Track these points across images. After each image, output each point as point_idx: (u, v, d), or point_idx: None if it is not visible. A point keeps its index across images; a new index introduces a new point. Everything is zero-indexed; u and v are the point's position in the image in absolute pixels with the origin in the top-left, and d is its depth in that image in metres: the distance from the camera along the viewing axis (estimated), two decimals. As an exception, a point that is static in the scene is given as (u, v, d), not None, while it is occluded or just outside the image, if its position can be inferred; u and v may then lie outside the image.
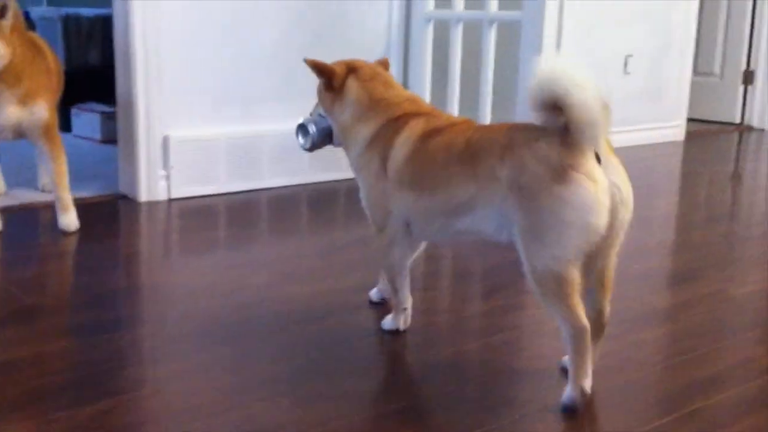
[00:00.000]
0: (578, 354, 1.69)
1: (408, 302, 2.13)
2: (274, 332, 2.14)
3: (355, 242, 3.02)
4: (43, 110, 2.80)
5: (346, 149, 2.12)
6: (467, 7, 3.68)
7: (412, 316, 2.15)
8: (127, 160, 3.45)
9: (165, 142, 3.41)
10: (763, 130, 5.97)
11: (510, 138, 1.73)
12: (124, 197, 3.46)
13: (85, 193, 3.38)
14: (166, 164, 3.43)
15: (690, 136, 5.49)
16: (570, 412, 1.71)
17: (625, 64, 5.05)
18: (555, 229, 1.66)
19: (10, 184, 3.47)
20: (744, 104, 6.05)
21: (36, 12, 5.04)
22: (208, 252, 2.88)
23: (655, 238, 3.20)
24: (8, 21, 2.57)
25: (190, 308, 2.28)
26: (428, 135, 1.92)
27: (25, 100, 2.74)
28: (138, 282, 2.59)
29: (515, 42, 3.62)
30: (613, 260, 1.79)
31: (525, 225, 1.69)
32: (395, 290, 2.11)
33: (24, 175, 3.61)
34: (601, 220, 1.65)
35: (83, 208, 3.07)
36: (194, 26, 3.39)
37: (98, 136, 4.62)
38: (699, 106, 5.90)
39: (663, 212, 3.68)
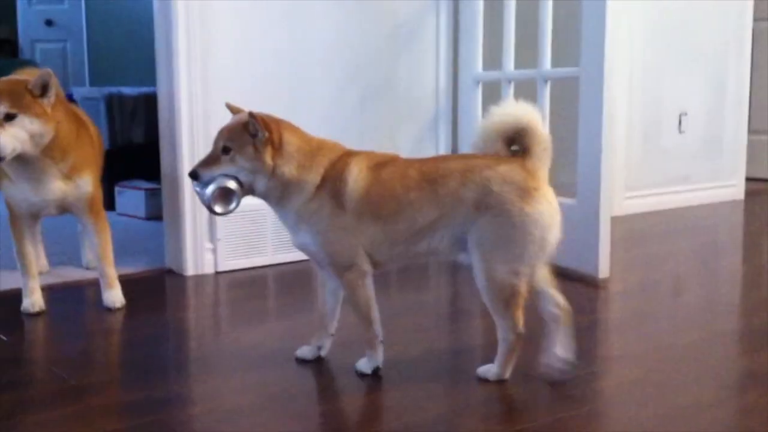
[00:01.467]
0: (511, 353, 2.03)
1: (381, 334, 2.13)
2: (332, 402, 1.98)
3: (413, 307, 2.86)
4: (88, 184, 2.71)
5: (283, 201, 2.07)
6: (516, 65, 3.57)
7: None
8: (173, 234, 3.35)
9: (211, 214, 3.29)
10: (824, 186, 5.76)
11: (467, 164, 2.01)
12: (171, 272, 3.34)
13: (131, 269, 3.27)
14: (212, 237, 3.32)
15: (749, 194, 5.29)
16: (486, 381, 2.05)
17: (680, 123, 4.90)
18: (519, 245, 1.94)
19: (54, 262, 3.37)
20: (802, 161, 5.85)
21: (79, 92, 5.05)
22: (259, 323, 2.75)
23: (729, 297, 3.02)
24: (50, 99, 2.50)
25: (243, 382, 2.13)
26: (377, 168, 2.05)
27: (70, 174, 2.66)
28: (188, 357, 2.46)
29: (564, 98, 3.52)
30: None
31: (489, 240, 1.96)
32: (371, 323, 2.10)
33: (67, 252, 3.52)
34: (556, 236, 1.97)
35: (129, 283, 2.96)
36: (241, 97, 3.30)
37: (143, 213, 4.54)
38: (753, 164, 5.70)
39: (731, 270, 3.48)
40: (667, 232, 4.24)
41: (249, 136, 2.01)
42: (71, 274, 3.28)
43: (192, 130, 3.23)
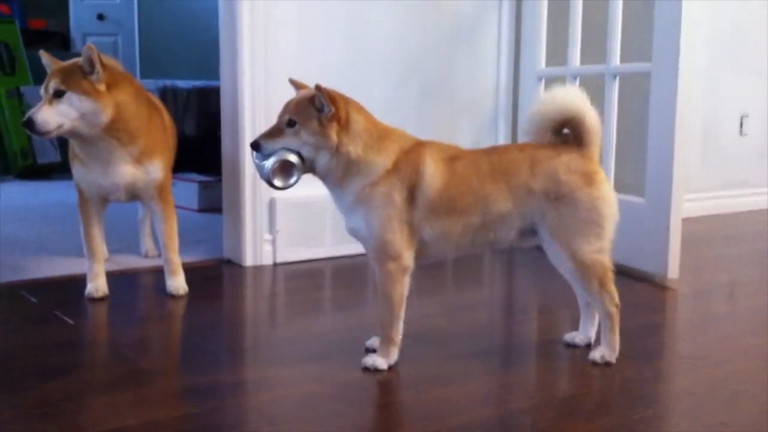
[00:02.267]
0: (614, 327, 2.10)
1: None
2: (392, 396, 1.94)
3: (477, 304, 2.81)
4: (158, 170, 2.69)
5: (345, 181, 2.01)
6: (582, 61, 3.50)
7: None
8: (232, 225, 3.32)
9: (271, 205, 3.27)
10: None
11: (532, 155, 2.07)
12: (229, 262, 3.31)
13: (189, 258, 3.24)
14: (272, 228, 3.29)
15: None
16: (603, 365, 2.09)
17: (741, 125, 4.80)
18: (596, 225, 2.03)
19: (112, 250, 3.36)
20: None
21: (134, 84, 5.05)
22: (321, 314, 2.72)
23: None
24: (98, 76, 2.48)
25: (313, 371, 2.08)
26: (451, 161, 2.05)
27: (140, 159, 2.64)
28: (254, 344, 2.43)
29: (628, 96, 3.44)
30: None
31: (567, 227, 2.03)
32: (395, 321, 2.07)
33: (125, 240, 3.51)
34: (617, 213, 2.07)
35: (189, 272, 2.92)
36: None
37: (196, 205, 4.53)
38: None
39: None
40: (729, 236, 4.14)
41: (315, 111, 1.97)
42: (129, 262, 3.26)
43: (254, 123, 3.20)
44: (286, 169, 1.98)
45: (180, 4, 6.69)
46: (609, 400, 1.97)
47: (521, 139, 3.58)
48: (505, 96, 3.84)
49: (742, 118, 4.80)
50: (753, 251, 3.83)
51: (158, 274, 2.94)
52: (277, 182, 1.99)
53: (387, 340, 2.08)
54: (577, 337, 2.27)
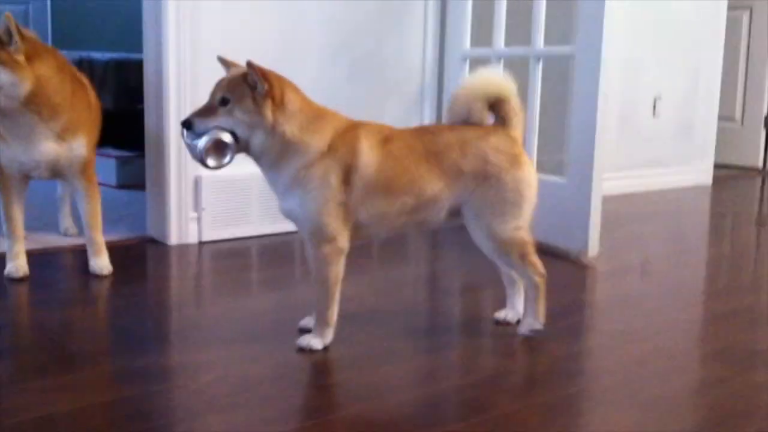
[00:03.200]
0: (541, 296, 2.17)
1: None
2: (329, 377, 1.96)
3: (405, 282, 2.84)
4: (82, 147, 2.62)
5: (280, 162, 1.99)
6: (506, 43, 3.55)
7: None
8: (156, 203, 3.27)
9: (196, 182, 3.23)
10: (787, 175, 5.88)
11: (462, 137, 2.12)
12: (153, 240, 3.26)
13: (111, 237, 3.16)
14: (197, 206, 3.25)
15: (716, 180, 5.37)
16: (533, 334, 2.17)
17: (654, 106, 4.94)
18: (517, 205, 2.11)
19: (30, 227, 3.24)
20: (766, 149, 5.95)
21: (48, 55, 4.88)
22: (251, 294, 2.71)
23: (716, 277, 3.06)
24: (16, 47, 2.40)
25: (249, 352, 2.07)
26: (385, 142, 2.06)
27: (63, 135, 2.56)
28: (185, 326, 2.40)
29: (550, 78, 3.50)
30: None
31: (490, 206, 2.10)
32: (331, 302, 2.07)
33: (42, 218, 3.41)
34: (536, 195, 2.15)
35: (111, 251, 2.84)
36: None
37: (114, 181, 4.43)
38: (720, 151, 5.77)
39: (713, 253, 3.54)
40: (644, 214, 4.27)
41: (249, 89, 1.94)
42: (48, 241, 3.17)
43: (180, 98, 3.15)
44: (219, 148, 1.94)
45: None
46: (540, 376, 2.03)
47: (446, 118, 3.67)
48: (431, 76, 3.86)
49: (655, 100, 4.94)
50: (667, 229, 3.97)
51: (79, 252, 2.88)
52: (211, 162, 1.95)
53: (322, 321, 2.08)
54: (509, 314, 2.32)
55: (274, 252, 3.23)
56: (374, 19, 3.67)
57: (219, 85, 1.98)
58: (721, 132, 5.45)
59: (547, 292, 2.19)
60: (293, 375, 1.97)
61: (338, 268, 2.06)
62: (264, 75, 1.93)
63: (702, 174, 5.27)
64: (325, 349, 2.07)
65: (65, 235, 3.26)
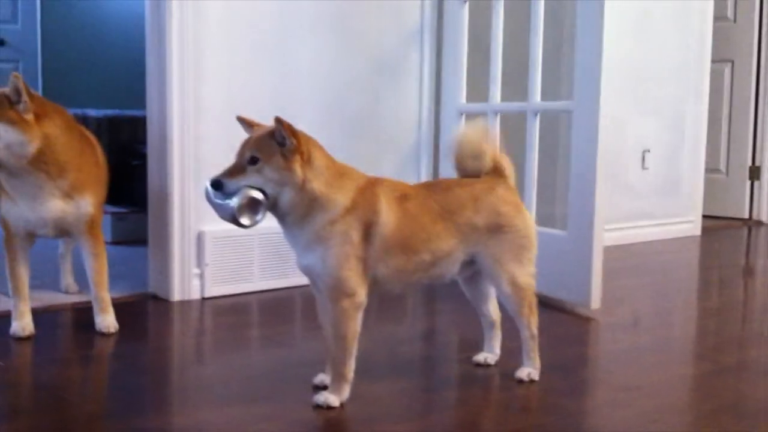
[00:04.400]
0: (536, 348, 2.29)
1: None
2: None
3: (408, 339, 2.84)
4: (89, 205, 2.62)
5: (306, 219, 2.01)
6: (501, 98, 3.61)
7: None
8: (158, 258, 3.27)
9: (199, 238, 3.23)
10: (773, 224, 5.96)
11: (472, 192, 2.21)
12: (155, 297, 3.25)
13: (111, 294, 3.13)
14: (200, 262, 3.25)
15: (704, 231, 5.44)
16: (530, 381, 2.27)
17: (643, 159, 5.02)
18: (530, 249, 2.24)
19: (31, 285, 3.20)
20: (752, 199, 6.04)
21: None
22: (256, 351, 2.70)
23: (720, 330, 3.10)
24: (25, 105, 2.42)
25: (262, 411, 2.06)
26: (402, 200, 2.11)
27: (71, 194, 2.57)
28: (191, 384, 2.37)
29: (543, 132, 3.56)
30: None
31: (505, 254, 2.21)
32: (348, 358, 2.07)
33: (43, 276, 3.39)
34: None
35: (114, 308, 2.81)
36: (230, 119, 3.24)
37: (109, 237, 4.40)
38: (706, 202, 5.85)
39: (715, 304, 3.57)
40: (637, 267, 4.31)
41: (277, 146, 1.96)
42: (49, 298, 3.16)
43: (183, 154, 3.18)
44: (252, 206, 1.95)
45: (86, 31, 6.53)
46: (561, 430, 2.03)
47: (448, 167, 3.71)
48: (427, 130, 3.92)
49: (644, 153, 5.02)
50: (662, 281, 4.01)
51: (82, 310, 2.88)
52: (245, 220, 1.95)
53: (339, 377, 2.08)
54: (488, 357, 2.43)
55: (277, 307, 3.23)
56: (371, 75, 3.73)
57: (246, 144, 1.99)
58: (706, 183, 5.54)
59: (552, 344, 2.29)
60: (313, 433, 1.96)
61: (356, 324, 2.07)
62: (292, 131, 1.96)
63: (691, 225, 5.34)
64: (341, 405, 2.06)
65: (66, 292, 3.24)
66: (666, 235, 5.15)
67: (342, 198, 2.01)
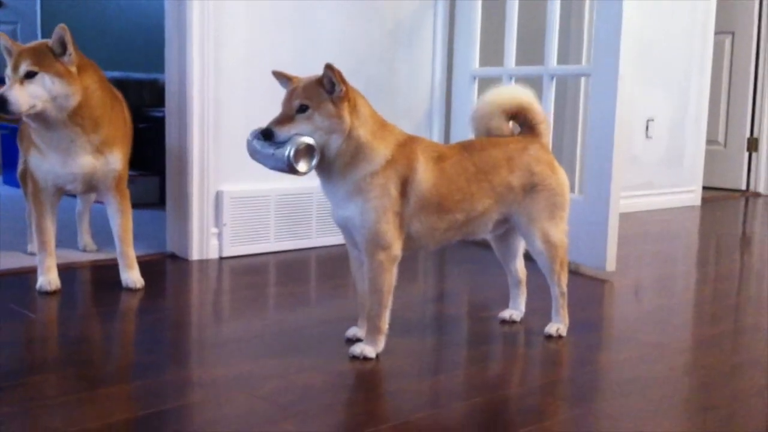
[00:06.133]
0: (565, 305, 2.34)
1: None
2: (377, 387, 1.99)
3: (416, 302, 2.88)
4: (118, 160, 2.63)
5: (349, 168, 2.02)
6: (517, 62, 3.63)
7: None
8: (177, 218, 3.27)
9: (218, 197, 3.24)
10: (770, 195, 6.03)
11: (506, 152, 2.23)
12: (174, 256, 3.26)
13: (131, 253, 3.17)
14: (218, 221, 3.26)
15: (704, 201, 5.49)
16: (558, 337, 2.31)
17: (647, 128, 5.06)
18: (563, 207, 2.28)
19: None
20: (749, 171, 6.10)
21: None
22: (283, 309, 2.72)
23: (736, 292, 3.15)
24: (70, 57, 2.43)
25: (304, 363, 2.09)
26: (439, 160, 2.13)
27: (101, 149, 2.57)
28: (228, 338, 2.38)
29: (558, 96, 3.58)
30: None
31: (541, 212, 2.24)
32: (384, 310, 2.09)
33: (62, 233, 3.38)
34: None
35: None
36: (249, 82, 3.27)
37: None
38: (705, 173, 5.91)
39: (726, 270, 3.63)
40: (646, 234, 4.36)
41: (326, 93, 1.98)
42: (68, 255, 3.15)
43: (203, 114, 3.18)
44: (308, 152, 1.96)
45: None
46: (593, 384, 2.06)
47: (459, 132, 3.74)
48: (440, 95, 3.93)
49: (648, 122, 5.06)
50: (672, 247, 4.07)
51: (102, 268, 2.91)
52: (302, 167, 1.95)
53: (375, 329, 2.11)
54: (513, 313, 2.48)
55: (295, 267, 3.25)
56: (386, 42, 3.73)
57: (294, 93, 2.00)
58: (705, 154, 5.58)
59: (575, 305, 2.33)
60: (353, 383, 2.00)
61: (392, 276, 2.09)
62: (342, 78, 1.97)
63: (691, 195, 5.39)
64: (377, 357, 2.09)
65: (84, 250, 3.25)
66: (667, 205, 5.20)
67: (384, 149, 2.03)
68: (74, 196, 3.19)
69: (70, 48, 2.41)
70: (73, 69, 2.43)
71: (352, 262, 2.21)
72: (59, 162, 2.55)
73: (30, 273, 2.78)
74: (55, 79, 2.40)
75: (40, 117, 2.44)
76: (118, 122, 2.65)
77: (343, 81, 1.97)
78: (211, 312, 2.71)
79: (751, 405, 1.92)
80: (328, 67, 1.96)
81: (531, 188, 2.24)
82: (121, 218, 2.72)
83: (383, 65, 3.73)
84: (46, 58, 2.40)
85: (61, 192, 2.67)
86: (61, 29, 2.40)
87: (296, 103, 1.98)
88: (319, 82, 1.98)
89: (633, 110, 4.94)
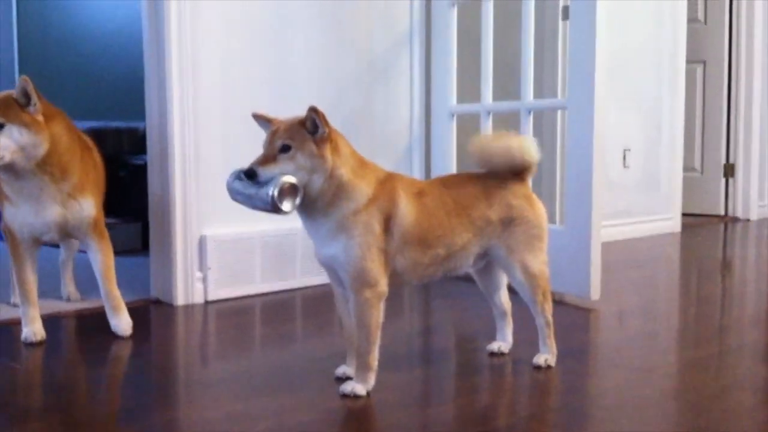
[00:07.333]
0: (551, 334, 2.34)
1: None
2: (371, 423, 2.00)
3: (404, 337, 2.88)
4: (91, 206, 2.64)
5: (331, 207, 2.03)
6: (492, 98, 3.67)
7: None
8: (161, 263, 3.27)
9: (202, 242, 3.24)
10: (748, 220, 6.08)
11: (484, 187, 2.27)
12: (158, 302, 3.25)
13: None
14: (202, 266, 3.26)
15: (684, 227, 5.54)
16: (547, 367, 2.31)
17: (624, 158, 5.12)
18: (542, 239, 2.31)
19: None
20: (727, 196, 6.17)
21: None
22: (271, 349, 2.71)
23: (718, 316, 3.17)
24: (35, 107, 2.44)
25: (295, 401, 2.09)
26: (419, 196, 2.16)
27: (73, 194, 2.58)
28: (214, 379, 2.37)
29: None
30: None
31: (519, 244, 2.27)
32: (372, 347, 2.09)
33: (43, 285, 3.37)
34: None
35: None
36: (227, 120, 3.29)
37: (99, 247, 4.39)
38: (683, 200, 5.95)
39: (706, 294, 3.65)
40: (625, 262, 4.38)
41: (308, 134, 2.00)
42: (52, 306, 3.13)
43: (184, 162, 3.20)
44: (291, 192, 1.97)
45: (65, 44, 6.47)
46: (585, 411, 2.07)
47: (439, 168, 3.77)
48: (419, 132, 3.96)
49: (625, 152, 5.12)
50: (653, 274, 4.10)
51: (87, 317, 2.91)
52: (286, 206, 1.96)
53: (364, 367, 2.11)
54: (501, 345, 2.48)
55: (281, 308, 3.25)
56: (363, 79, 3.77)
57: (276, 134, 2.01)
58: (684, 181, 5.64)
59: (561, 333, 2.34)
60: (344, 420, 1.99)
61: (378, 313, 2.10)
62: (324, 118, 1.99)
63: (671, 222, 5.44)
64: (368, 394, 2.09)
65: (68, 300, 3.23)
66: (648, 232, 5.23)
67: (366, 187, 2.06)
68: (57, 246, 3.19)
69: (35, 98, 2.43)
70: (40, 118, 2.44)
71: (337, 299, 2.22)
72: (31, 212, 2.55)
73: (15, 324, 2.77)
74: (22, 129, 2.41)
75: (8, 168, 2.45)
76: (88, 168, 2.66)
77: (327, 123, 2.00)
78: (198, 354, 2.70)
79: (740, 426, 1.93)
80: (312, 110, 1.98)
81: (509, 221, 2.27)
82: (101, 257, 2.71)
83: (359, 100, 3.76)
84: (11, 110, 2.41)
85: (39, 242, 2.67)
86: (24, 81, 2.42)
87: (279, 143, 2.00)
88: (301, 123, 2.00)
89: (609, 140, 5.00)
